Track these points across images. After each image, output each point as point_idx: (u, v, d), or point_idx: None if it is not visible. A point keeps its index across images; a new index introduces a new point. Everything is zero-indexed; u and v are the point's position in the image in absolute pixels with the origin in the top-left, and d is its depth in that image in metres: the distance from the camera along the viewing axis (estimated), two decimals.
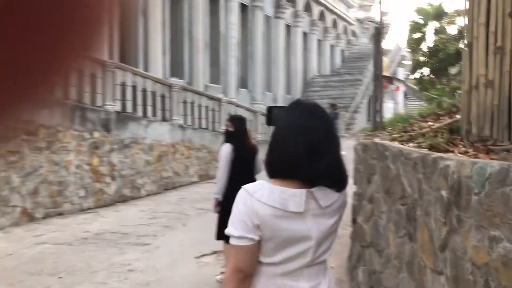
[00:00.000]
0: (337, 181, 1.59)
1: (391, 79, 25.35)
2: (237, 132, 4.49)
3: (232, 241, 1.54)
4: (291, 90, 22.40)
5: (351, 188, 6.12)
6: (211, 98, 12.23)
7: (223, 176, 4.43)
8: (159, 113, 10.26)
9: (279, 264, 1.55)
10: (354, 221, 5.28)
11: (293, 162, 1.55)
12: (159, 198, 9.34)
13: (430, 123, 3.99)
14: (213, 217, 7.76)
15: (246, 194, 1.53)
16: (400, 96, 28.06)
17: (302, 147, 1.53)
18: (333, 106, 11.12)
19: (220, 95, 13.10)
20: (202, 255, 5.54)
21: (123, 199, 8.94)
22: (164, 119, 10.39)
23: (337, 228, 1.64)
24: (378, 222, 3.51)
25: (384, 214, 3.38)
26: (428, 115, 4.91)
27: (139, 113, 9.69)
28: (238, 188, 1.60)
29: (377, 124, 5.03)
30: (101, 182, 8.48)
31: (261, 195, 1.50)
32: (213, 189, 4.75)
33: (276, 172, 1.59)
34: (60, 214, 7.72)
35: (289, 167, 1.56)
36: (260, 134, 14.50)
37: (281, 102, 20.74)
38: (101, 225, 7.18)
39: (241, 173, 4.20)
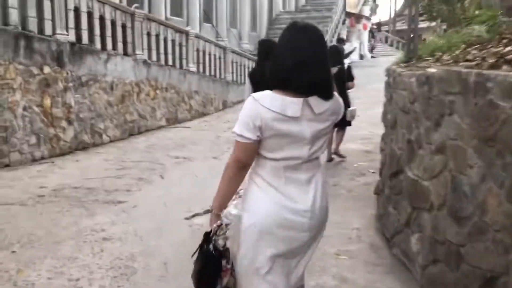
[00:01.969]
0: (324, 91, 1.87)
1: (359, 18, 24.32)
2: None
3: (235, 137, 1.88)
4: (256, 27, 20.94)
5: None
6: (178, 30, 10.78)
7: None
8: (120, 46, 8.81)
9: (281, 160, 1.89)
10: (380, 173, 4.40)
11: (285, 74, 1.85)
12: (125, 144, 8.13)
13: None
14: (194, 168, 6.74)
15: (253, 100, 1.84)
16: (365, 36, 27.16)
17: (292, 61, 1.83)
18: (341, 40, 10.01)
19: (188, 28, 11.63)
20: (193, 215, 4.53)
21: (82, 147, 7.67)
22: (126, 54, 8.96)
23: (329, 131, 2.00)
24: (460, 179, 2.59)
25: (475, 170, 2.45)
26: (472, 43, 3.96)
27: (97, 45, 8.22)
28: None
29: (411, 54, 4.02)
30: (55, 127, 7.15)
31: (265, 101, 1.81)
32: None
33: (275, 84, 1.87)
34: (7, 165, 6.41)
35: (283, 79, 1.85)
36: (230, 73, 13.25)
37: (246, 39, 19.37)
38: (60, 178, 5.97)
39: None
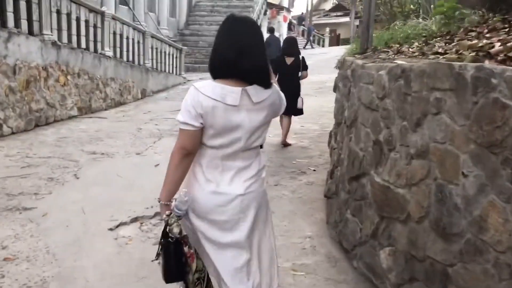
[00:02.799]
0: (262, 80, 1.96)
1: (279, 9, 24.18)
2: None
3: (179, 125, 1.93)
4: (175, 13, 19.98)
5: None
6: (92, 10, 9.70)
7: None
8: (24, 23, 7.65)
9: (219, 148, 1.96)
10: (331, 174, 4.03)
11: (226, 62, 1.92)
12: (31, 137, 7.07)
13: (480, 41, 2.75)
14: (114, 166, 5.95)
15: (194, 89, 1.91)
16: (285, 27, 27.17)
17: (233, 49, 1.90)
18: (272, 30, 9.96)
19: (104, 8, 10.55)
20: (118, 225, 3.86)
21: None
22: (31, 33, 7.81)
23: (269, 121, 2.05)
24: (449, 189, 2.24)
25: (470, 179, 2.11)
26: (436, 34, 3.71)
27: None
28: None
29: (365, 45, 3.67)
30: None
31: (206, 90, 1.88)
32: None
33: (217, 72, 1.97)
34: None
35: (224, 66, 1.93)
36: (150, 60, 12.35)
37: (165, 25, 18.40)
38: None
39: None
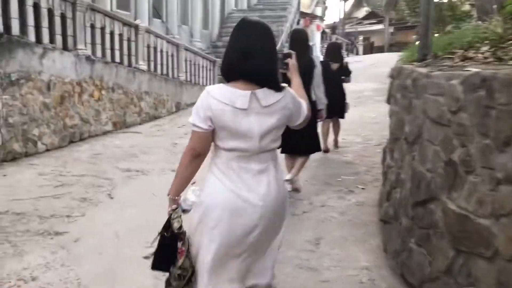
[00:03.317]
0: (270, 81, 1.98)
1: (313, 18, 23.85)
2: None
3: (191, 127, 1.97)
4: (208, 25, 19.92)
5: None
6: (126, 23, 9.62)
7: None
8: (58, 39, 7.58)
9: (232, 150, 1.98)
10: (388, 196, 3.62)
11: (231, 64, 1.99)
12: (65, 154, 6.93)
13: None
14: (149, 184, 5.71)
15: (206, 92, 1.96)
16: (318, 36, 26.79)
17: (237, 51, 1.97)
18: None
19: (138, 21, 10.47)
20: None
21: (12, 157, 6.41)
22: (65, 48, 7.73)
23: (283, 124, 2.05)
24: None
25: None
26: (504, 37, 3.28)
27: (31, 37, 6.97)
28: None
29: (425, 51, 3.26)
30: None
31: (216, 93, 1.93)
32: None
33: (226, 75, 2.03)
34: None
35: (230, 69, 1.99)
36: (184, 72, 12.21)
37: (198, 37, 18.33)
38: None
39: None
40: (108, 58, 8.97)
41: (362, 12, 45.07)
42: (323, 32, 27.65)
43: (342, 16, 38.70)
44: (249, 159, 1.98)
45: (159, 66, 10.95)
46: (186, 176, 2.04)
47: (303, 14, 23.75)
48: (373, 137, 7.27)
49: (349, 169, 5.75)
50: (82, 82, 7.94)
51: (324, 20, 26.63)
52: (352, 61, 23.25)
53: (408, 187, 3.02)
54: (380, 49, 34.12)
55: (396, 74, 3.61)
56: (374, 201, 4.55)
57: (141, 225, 4.06)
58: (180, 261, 2.03)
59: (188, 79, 12.56)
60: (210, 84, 14.30)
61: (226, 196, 1.96)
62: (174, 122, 10.04)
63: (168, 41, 11.50)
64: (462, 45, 3.47)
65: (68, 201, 4.76)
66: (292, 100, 2.05)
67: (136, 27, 9.90)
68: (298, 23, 22.04)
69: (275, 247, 2.18)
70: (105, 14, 8.90)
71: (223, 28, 20.85)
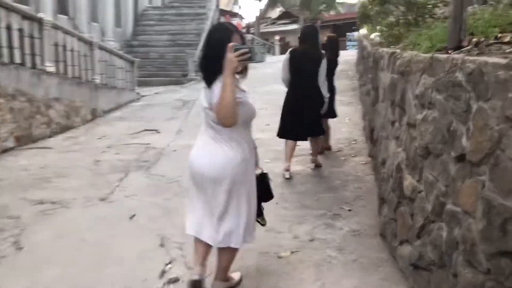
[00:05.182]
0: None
1: (233, 16, 22.93)
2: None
3: None
4: (121, 23, 18.21)
5: None
6: (27, 17, 7.94)
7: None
8: None
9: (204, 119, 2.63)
10: (419, 233, 2.72)
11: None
12: None
13: None
14: (73, 222, 4.32)
15: None
16: None
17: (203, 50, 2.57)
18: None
19: (41, 14, 8.79)
20: None
21: None
22: None
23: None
24: None
25: None
26: None
27: None
28: None
29: (460, 36, 2.40)
30: None
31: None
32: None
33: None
34: None
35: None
36: (99, 75, 10.64)
37: (111, 36, 16.63)
38: None
39: None
40: (6, 58, 7.30)
41: (276, 12, 45.09)
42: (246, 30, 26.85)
43: (257, 15, 38.18)
44: (209, 127, 2.56)
45: (70, 68, 9.33)
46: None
47: (222, 12, 22.75)
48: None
49: (322, 184, 4.83)
50: None
51: (243, 18, 25.86)
52: (276, 60, 22.66)
53: (478, 227, 2.10)
54: None
55: (417, 68, 2.71)
56: (371, 228, 3.65)
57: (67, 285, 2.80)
58: None
59: (104, 82, 11.00)
60: (129, 87, 12.80)
61: (191, 157, 2.66)
62: (92, 133, 8.54)
63: (80, 39, 9.89)
64: (504, 27, 2.66)
65: None
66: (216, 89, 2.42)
67: (40, 22, 8.25)
68: (218, 21, 21.00)
69: (227, 211, 2.53)
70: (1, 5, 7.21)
71: (137, 26, 19.27)
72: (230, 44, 2.27)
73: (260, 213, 2.83)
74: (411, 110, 2.90)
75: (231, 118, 2.31)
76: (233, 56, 2.27)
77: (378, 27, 6.51)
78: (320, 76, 5.11)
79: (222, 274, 2.73)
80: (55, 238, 3.68)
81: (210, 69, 2.39)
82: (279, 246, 3.37)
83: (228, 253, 2.66)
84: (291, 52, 5.38)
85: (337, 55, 6.48)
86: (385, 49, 4.24)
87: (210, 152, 2.49)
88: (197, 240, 2.66)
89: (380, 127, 4.42)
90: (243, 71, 2.52)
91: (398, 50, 3.55)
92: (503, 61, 1.99)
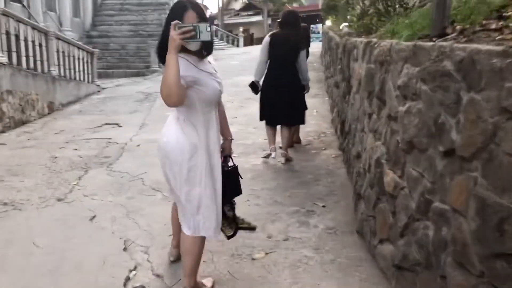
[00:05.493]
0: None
1: None
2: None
3: None
4: (80, 12, 17.50)
5: None
6: None
7: None
8: None
9: None
10: (402, 232, 2.58)
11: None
12: None
13: None
14: (26, 225, 3.95)
15: None
16: None
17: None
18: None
19: None
20: None
21: None
22: None
23: None
24: None
25: None
26: None
27: None
28: None
29: (443, 23, 2.26)
30: None
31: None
32: None
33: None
34: None
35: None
36: (56, 66, 10.10)
37: (68, 26, 15.96)
38: None
39: None
40: None
41: (239, 3, 44.68)
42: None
43: (220, 6, 37.70)
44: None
45: (24, 58, 8.80)
46: None
47: None
48: None
49: (293, 179, 4.65)
50: None
51: (208, 8, 25.42)
52: (241, 52, 22.39)
53: (470, 227, 1.96)
54: (260, 41, 33.90)
55: (399, 57, 2.55)
56: (346, 225, 3.50)
57: None
58: None
59: (62, 74, 10.48)
60: (88, 79, 12.28)
61: None
62: (49, 127, 8.08)
63: (34, 28, 9.34)
64: (486, 15, 2.53)
65: None
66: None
67: None
68: None
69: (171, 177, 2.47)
70: None
71: (97, 16, 18.61)
72: (174, 22, 2.11)
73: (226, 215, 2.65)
74: (392, 102, 2.74)
75: (173, 97, 2.15)
76: (174, 34, 2.09)
77: (348, 17, 6.37)
78: (302, 61, 5.17)
79: (188, 280, 2.51)
80: (5, 243, 3.35)
81: (164, 48, 2.20)
82: (252, 247, 3.17)
83: (184, 249, 2.55)
84: (271, 36, 5.28)
85: (308, 45, 6.34)
86: (359, 39, 4.08)
87: (166, 130, 2.48)
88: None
89: (353, 119, 4.27)
90: (202, 51, 2.37)
91: (374, 39, 3.39)
92: (498, 48, 1.84)
